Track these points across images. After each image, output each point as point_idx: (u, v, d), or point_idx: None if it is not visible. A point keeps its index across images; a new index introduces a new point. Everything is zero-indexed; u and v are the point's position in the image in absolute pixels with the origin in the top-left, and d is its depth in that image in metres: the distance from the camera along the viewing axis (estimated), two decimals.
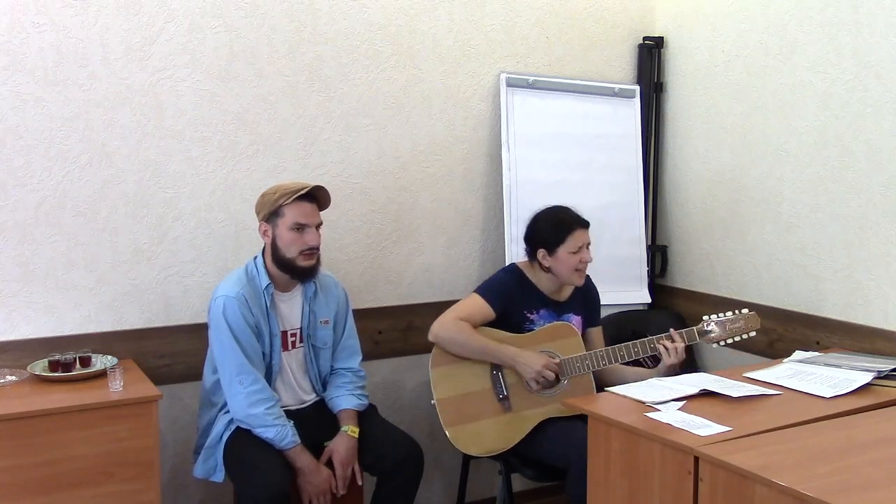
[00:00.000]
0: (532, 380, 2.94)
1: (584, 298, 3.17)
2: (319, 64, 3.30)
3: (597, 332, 3.23)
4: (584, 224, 3.05)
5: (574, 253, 3.00)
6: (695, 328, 2.94)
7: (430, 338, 3.03)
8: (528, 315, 3.06)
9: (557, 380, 2.97)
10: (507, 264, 3.33)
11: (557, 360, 2.97)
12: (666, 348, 2.89)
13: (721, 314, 2.95)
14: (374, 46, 3.39)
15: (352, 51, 3.35)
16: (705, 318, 2.95)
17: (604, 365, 2.95)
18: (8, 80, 2.83)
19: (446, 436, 2.97)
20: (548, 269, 3.05)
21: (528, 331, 3.04)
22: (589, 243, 3.04)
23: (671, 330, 2.94)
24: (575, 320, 3.11)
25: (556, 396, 2.97)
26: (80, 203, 2.97)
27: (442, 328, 3.00)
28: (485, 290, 3.07)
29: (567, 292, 3.14)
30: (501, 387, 3.00)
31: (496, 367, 3.01)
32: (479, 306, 3.02)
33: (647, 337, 2.94)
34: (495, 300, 3.03)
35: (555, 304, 3.11)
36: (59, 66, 2.90)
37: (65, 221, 2.95)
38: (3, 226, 2.87)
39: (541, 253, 3.04)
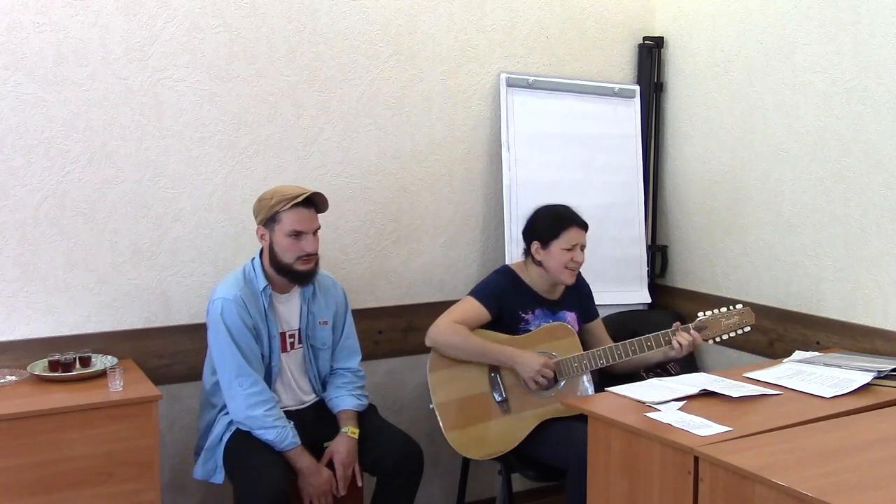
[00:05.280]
0: (531, 379, 2.94)
1: (576, 295, 3.18)
2: (319, 64, 3.30)
3: (598, 325, 3.23)
4: (582, 224, 3.05)
5: (567, 250, 3.00)
6: (690, 325, 2.95)
7: (427, 343, 3.02)
8: (523, 315, 3.06)
9: (556, 380, 2.97)
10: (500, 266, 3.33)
11: (555, 360, 2.97)
12: (681, 344, 2.90)
13: (715, 310, 2.96)
14: (374, 46, 3.39)
15: (352, 51, 3.35)
16: (700, 314, 2.96)
17: (601, 365, 2.95)
18: (8, 80, 2.83)
19: (447, 440, 2.97)
20: (539, 263, 3.05)
21: (524, 331, 3.05)
22: (584, 245, 3.04)
23: (676, 324, 2.95)
24: (570, 318, 3.12)
25: (554, 396, 2.97)
26: (80, 203, 2.97)
27: (438, 332, 3.00)
28: (479, 292, 3.07)
29: (559, 291, 3.14)
30: (500, 389, 2.99)
31: (494, 370, 3.01)
32: (474, 309, 3.02)
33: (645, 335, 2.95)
34: (490, 302, 3.03)
35: (549, 303, 3.11)
36: (59, 66, 2.90)
37: (65, 221, 2.95)
38: (3, 226, 2.87)
39: (535, 246, 3.05)
